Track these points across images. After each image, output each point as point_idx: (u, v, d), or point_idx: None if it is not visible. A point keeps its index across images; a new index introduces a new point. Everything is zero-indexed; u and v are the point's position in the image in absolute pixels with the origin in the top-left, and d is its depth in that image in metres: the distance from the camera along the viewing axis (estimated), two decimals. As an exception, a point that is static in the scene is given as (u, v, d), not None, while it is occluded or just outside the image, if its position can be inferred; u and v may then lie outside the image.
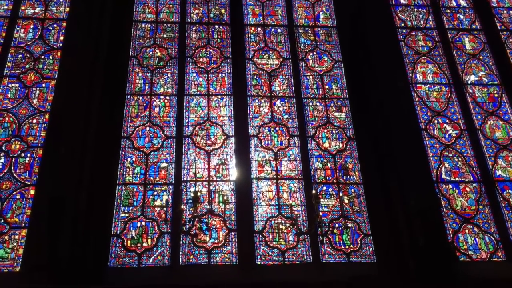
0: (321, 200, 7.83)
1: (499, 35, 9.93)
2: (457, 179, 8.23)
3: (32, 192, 7.39)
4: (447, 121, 8.80)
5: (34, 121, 8.03)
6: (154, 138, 8.26)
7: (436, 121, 8.78)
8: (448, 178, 8.22)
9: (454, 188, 8.12)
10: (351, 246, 7.62)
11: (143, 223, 7.50)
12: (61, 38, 8.90)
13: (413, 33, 9.86)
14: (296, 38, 9.60)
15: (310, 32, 9.76)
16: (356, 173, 8.23)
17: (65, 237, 6.72)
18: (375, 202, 7.90)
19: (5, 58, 8.55)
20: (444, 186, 8.13)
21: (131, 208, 7.60)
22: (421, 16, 10.13)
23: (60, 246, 6.65)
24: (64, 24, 9.06)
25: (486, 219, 7.88)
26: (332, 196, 8.00)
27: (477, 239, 7.71)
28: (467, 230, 7.77)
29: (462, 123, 8.80)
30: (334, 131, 8.63)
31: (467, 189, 8.12)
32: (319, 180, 8.12)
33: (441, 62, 9.49)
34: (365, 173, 8.19)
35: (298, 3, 10.14)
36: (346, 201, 7.96)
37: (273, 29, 9.74)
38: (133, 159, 8.03)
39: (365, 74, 8.98)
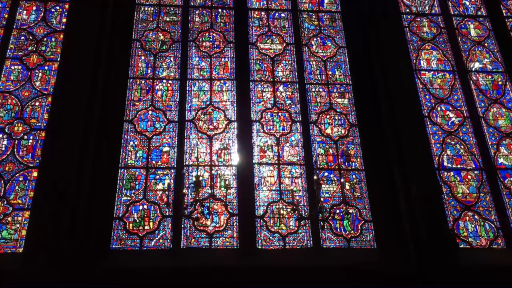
0: (323, 186, 7.87)
1: (505, 22, 9.83)
2: (459, 166, 8.23)
3: (35, 174, 7.43)
4: (450, 108, 8.77)
5: (37, 103, 8.04)
6: (156, 122, 8.26)
7: (439, 108, 8.75)
8: (450, 165, 8.23)
9: (456, 176, 8.13)
10: (352, 232, 7.66)
11: (145, 207, 7.55)
12: (64, 20, 8.85)
13: (418, 19, 9.77)
14: (299, 23, 9.53)
15: (314, 17, 9.69)
16: (358, 160, 8.24)
17: (68, 219, 6.76)
18: (376, 188, 7.92)
19: (7, 40, 8.53)
20: (445, 173, 8.14)
21: (133, 191, 7.64)
22: (426, 2, 10.02)
23: (62, 228, 6.69)
24: (67, 6, 9.00)
25: (487, 206, 7.91)
26: (333, 182, 8.02)
27: (477, 226, 7.75)
28: (467, 217, 7.80)
29: (465, 110, 8.77)
30: (336, 117, 8.62)
31: (469, 177, 8.13)
32: (321, 166, 8.13)
33: (445, 49, 9.43)
34: (366, 159, 8.19)
35: (303, -13, 10.03)
36: (347, 187, 7.97)
37: (276, 14, 9.67)
38: (136, 142, 8.04)
39: (369, 60, 8.92)
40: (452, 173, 8.14)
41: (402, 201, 7.57)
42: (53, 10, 9.00)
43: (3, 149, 7.61)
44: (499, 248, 7.60)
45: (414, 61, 9.20)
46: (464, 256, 7.19)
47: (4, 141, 7.67)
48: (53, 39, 8.67)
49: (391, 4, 9.65)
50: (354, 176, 8.10)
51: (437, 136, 8.45)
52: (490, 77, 9.20)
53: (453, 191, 7.96)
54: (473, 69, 9.26)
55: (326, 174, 8.09)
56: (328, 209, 7.68)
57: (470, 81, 9.08)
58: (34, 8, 8.98)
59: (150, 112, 8.34)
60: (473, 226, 7.74)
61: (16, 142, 7.67)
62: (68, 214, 6.80)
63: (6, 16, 8.78)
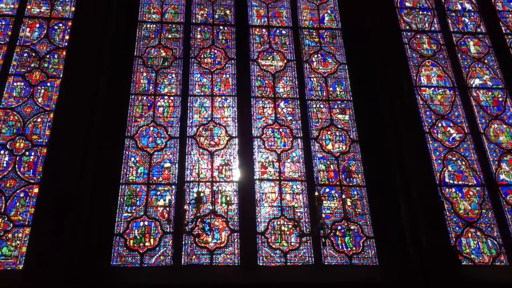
0: (324, 202, 7.83)
1: (504, 39, 9.90)
2: (460, 182, 8.22)
3: (36, 190, 7.42)
4: (451, 124, 8.79)
5: (39, 119, 8.07)
6: (157, 138, 8.28)
7: (440, 124, 8.77)
8: (451, 181, 8.21)
9: (458, 192, 8.11)
10: (354, 248, 7.62)
11: (146, 223, 7.52)
12: (67, 37, 8.94)
13: (418, 36, 9.85)
14: (300, 39, 9.61)
15: (314, 34, 9.77)
16: (359, 176, 8.23)
17: (68, 236, 6.73)
18: (378, 204, 7.89)
19: (10, 57, 8.59)
20: (447, 189, 8.11)
21: (134, 207, 7.62)
22: (426, 19, 10.12)
23: (63, 245, 6.66)
24: (70, 23, 9.09)
25: (489, 223, 7.87)
26: (335, 198, 8.01)
27: (479, 243, 7.69)
28: (470, 234, 7.75)
29: (466, 126, 8.78)
30: (337, 133, 8.63)
31: (470, 193, 8.11)
32: (322, 182, 8.12)
33: (445, 65, 9.48)
34: (368, 175, 8.18)
35: (303, 4, 10.14)
36: (348, 203, 7.95)
37: (277, 31, 9.75)
38: (137, 158, 8.05)
39: (370, 76, 8.98)
40: (453, 189, 8.12)
41: (404, 217, 7.55)
42: (56, 27, 9.08)
43: (5, 165, 7.61)
44: (502, 265, 7.54)
45: (415, 77, 9.25)
46: (467, 273, 7.15)
47: (5, 157, 7.67)
48: (55, 56, 8.73)
49: (391, 21, 9.73)
50: (355, 192, 8.09)
51: (438, 152, 8.45)
52: (490, 93, 9.23)
53: (455, 208, 7.93)
54: (473, 86, 9.30)
55: (327, 190, 8.08)
56: (329, 226, 7.65)
57: (470, 98, 9.11)
58: (38, 25, 9.07)
59: (151, 128, 8.36)
60: (475, 243, 7.69)
61: (17, 158, 7.68)
62: (69, 230, 6.77)
63: (9, 33, 8.86)
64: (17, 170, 7.58)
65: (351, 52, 9.44)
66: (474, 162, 8.41)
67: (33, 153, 7.76)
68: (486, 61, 9.63)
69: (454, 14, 10.25)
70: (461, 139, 8.63)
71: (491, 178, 8.25)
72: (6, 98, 8.19)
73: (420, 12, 10.19)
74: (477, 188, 8.16)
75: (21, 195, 7.40)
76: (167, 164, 8.07)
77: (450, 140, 8.62)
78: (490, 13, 10.24)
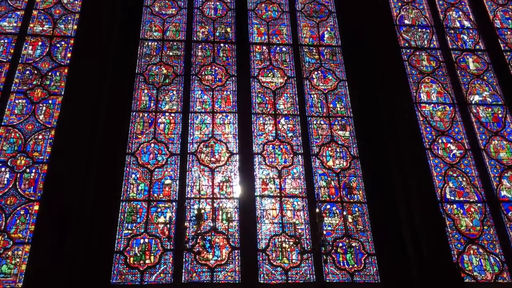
0: (325, 218, 7.82)
1: (503, 56, 9.97)
2: (461, 199, 8.20)
3: (36, 208, 7.39)
4: (451, 140, 8.80)
5: (40, 137, 8.08)
6: (158, 155, 8.28)
7: (440, 141, 8.78)
8: (452, 198, 8.19)
9: (459, 208, 8.08)
10: (355, 265, 7.57)
11: (146, 240, 7.48)
12: (69, 55, 9.00)
13: (417, 53, 9.92)
14: (300, 57, 9.69)
15: (314, 51, 9.84)
16: (360, 192, 8.22)
17: (68, 253, 6.70)
18: (379, 221, 7.87)
19: (12, 75, 8.64)
20: (448, 206, 8.09)
21: (134, 224, 7.59)
22: (425, 36, 10.21)
23: (62, 263, 6.63)
24: (72, 41, 9.17)
25: (491, 239, 7.83)
26: (336, 214, 7.98)
27: (482, 260, 7.65)
28: (472, 251, 7.71)
29: (466, 143, 8.79)
30: (338, 150, 8.64)
31: (472, 209, 8.08)
32: (323, 199, 8.11)
33: (445, 82, 9.53)
34: (369, 192, 8.17)
35: (303, 22, 10.24)
36: (350, 220, 7.93)
37: (278, 48, 9.83)
38: (138, 175, 8.05)
39: (370, 93, 9.04)
40: (455, 206, 8.10)
41: (406, 234, 7.52)
42: (58, 45, 9.16)
43: (5, 182, 7.60)
44: (505, 283, 7.47)
45: (414, 94, 9.29)
46: (469, 291, 7.11)
47: (6, 174, 7.67)
48: (57, 73, 8.79)
49: (390, 38, 9.83)
50: (356, 209, 8.07)
51: (439, 168, 8.45)
52: (490, 109, 9.26)
53: (456, 224, 7.90)
54: (473, 102, 9.34)
55: (328, 206, 8.06)
56: (330, 243, 7.60)
57: (470, 114, 9.14)
58: (40, 43, 9.14)
59: (152, 145, 8.38)
60: (477, 260, 7.63)
61: (18, 176, 7.67)
62: (69, 247, 6.75)
63: (12, 51, 8.93)
64: (17, 187, 7.57)
65: (351, 69, 9.51)
66: (475, 178, 8.40)
67: (34, 170, 7.76)
68: (485, 77, 9.68)
69: (453, 32, 10.34)
70: (462, 155, 8.63)
71: (492, 194, 8.24)
72: (7, 115, 8.22)
73: (419, 30, 10.28)
74: (479, 205, 8.14)
75: (21, 212, 7.38)
76: (168, 181, 8.06)
77: (451, 156, 8.62)
78: (488, 31, 10.34)
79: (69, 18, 9.49)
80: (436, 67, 9.72)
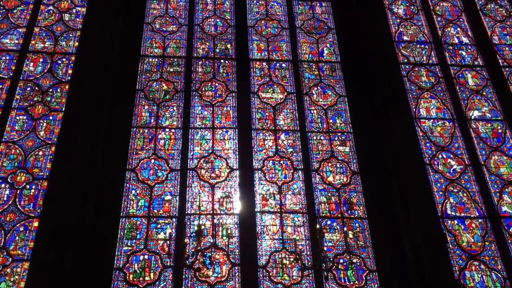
0: (326, 234, 7.79)
1: (502, 72, 10.01)
2: (462, 214, 8.16)
3: (36, 224, 7.35)
4: (451, 156, 8.79)
5: (40, 153, 8.07)
6: (158, 171, 8.28)
7: (440, 156, 8.78)
8: (453, 213, 8.16)
9: (460, 224, 8.04)
10: (356, 282, 7.51)
11: (146, 257, 7.44)
12: (70, 71, 9.04)
13: (416, 68, 9.97)
14: (300, 72, 9.74)
15: (314, 67, 9.90)
16: (361, 208, 8.20)
17: (67, 271, 6.66)
18: (380, 237, 7.83)
19: (13, 91, 8.66)
20: (449, 221, 8.06)
21: (134, 241, 7.56)
22: (423, 52, 10.27)
23: (62, 280, 6.57)
24: (73, 58, 9.22)
25: (493, 255, 7.77)
26: (336, 230, 7.95)
27: (484, 276, 7.59)
28: (473, 267, 7.65)
29: (466, 158, 8.78)
30: (338, 165, 8.64)
31: (473, 225, 8.04)
32: (324, 214, 8.09)
33: (444, 98, 9.56)
34: (369, 207, 8.15)
35: (303, 38, 10.33)
36: (350, 235, 7.90)
37: (277, 64, 9.89)
38: (137, 191, 8.04)
39: (370, 108, 9.09)
40: (456, 222, 8.06)
41: (407, 250, 7.49)
42: (59, 62, 9.20)
43: (5, 198, 7.57)
44: (508, 299, 7.43)
45: (414, 109, 9.31)
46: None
47: (6, 191, 7.65)
48: (58, 90, 8.81)
49: (389, 54, 9.90)
50: (357, 225, 8.04)
51: (439, 184, 8.43)
52: (489, 125, 9.27)
53: (457, 240, 7.85)
54: (473, 117, 9.35)
55: (328, 222, 8.03)
56: (331, 259, 7.57)
57: (470, 129, 9.14)
58: (41, 60, 9.19)
59: (152, 161, 8.38)
60: (479, 276, 7.57)
61: (18, 192, 7.65)
62: (68, 264, 6.70)
63: (13, 68, 8.97)
64: (17, 203, 7.54)
65: (350, 85, 9.57)
66: (475, 193, 8.38)
67: (33, 187, 7.74)
68: (484, 93, 9.72)
69: (451, 48, 10.40)
70: (462, 171, 8.62)
71: (493, 210, 8.21)
72: (8, 131, 8.22)
73: (418, 46, 10.35)
74: (480, 220, 8.11)
75: (21, 229, 7.33)
76: (168, 197, 8.05)
77: (451, 171, 8.61)
78: (487, 47, 10.40)
79: (71, 35, 9.56)
80: (435, 83, 9.76)
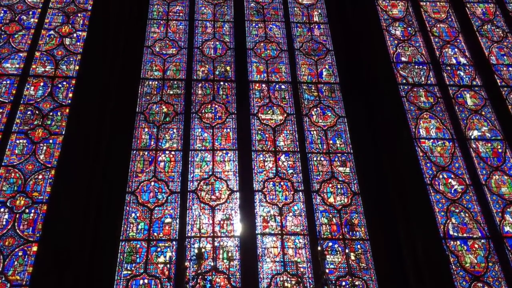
0: (327, 256, 7.71)
1: (500, 91, 10.05)
2: (465, 235, 8.10)
3: (35, 249, 7.28)
4: (452, 176, 8.77)
5: (40, 176, 8.05)
6: (158, 193, 8.25)
7: (441, 176, 8.75)
8: (455, 234, 8.10)
9: (463, 245, 7.96)
10: (359, 305, 7.42)
11: (146, 281, 7.36)
12: (70, 95, 9.06)
13: (415, 89, 10.02)
14: (299, 94, 9.79)
15: (313, 88, 9.95)
16: (362, 229, 8.14)
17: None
18: (383, 259, 7.76)
19: (14, 115, 8.67)
20: (452, 242, 7.99)
21: (134, 265, 7.49)
22: (422, 73, 10.34)
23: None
24: (74, 81, 9.26)
25: (497, 277, 7.67)
26: (338, 252, 7.88)
27: (488, 298, 7.51)
28: (477, 289, 7.58)
29: (467, 178, 8.75)
30: (339, 186, 8.62)
31: (476, 246, 7.97)
32: (325, 236, 8.03)
33: (443, 118, 9.58)
34: (371, 228, 8.10)
35: (302, 60, 10.40)
36: (352, 257, 7.82)
37: (277, 86, 9.94)
38: (137, 214, 8.00)
39: (369, 129, 9.11)
40: (458, 242, 7.99)
41: (410, 271, 7.41)
42: (60, 85, 9.23)
43: (4, 223, 7.50)
44: (513, 321, 7.32)
45: (414, 129, 9.32)
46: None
47: (5, 215, 7.59)
48: (58, 113, 8.82)
49: (387, 75, 9.97)
50: (359, 246, 7.97)
51: (440, 204, 8.39)
52: (489, 144, 9.26)
53: (460, 261, 7.77)
54: (472, 137, 9.35)
55: (330, 244, 7.97)
56: (333, 281, 7.49)
57: (470, 149, 9.13)
58: (42, 84, 9.23)
59: (152, 183, 8.36)
60: (483, 298, 7.50)
61: (17, 216, 7.60)
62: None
63: (14, 92, 8.99)
64: (16, 228, 7.47)
65: (349, 106, 9.61)
66: (477, 214, 8.32)
67: (33, 211, 7.69)
68: (483, 113, 9.74)
69: (449, 68, 10.46)
70: (463, 191, 8.58)
71: (495, 230, 8.14)
72: (8, 155, 8.20)
73: (416, 66, 10.42)
74: (482, 241, 8.03)
75: (20, 253, 7.25)
76: (168, 220, 8.00)
77: (452, 191, 8.57)
78: (484, 67, 10.46)
79: (71, 59, 9.62)
80: (434, 103, 9.79)
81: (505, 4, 11.79)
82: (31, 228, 7.52)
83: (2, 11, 10.25)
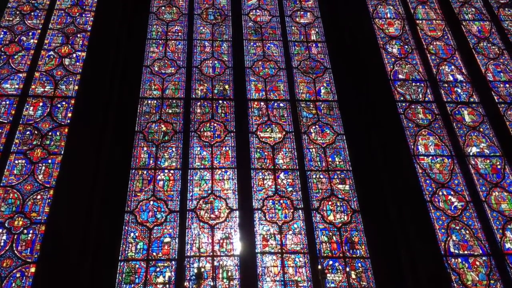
0: (328, 275, 7.65)
1: (498, 108, 10.09)
2: (466, 252, 8.04)
3: (33, 270, 7.21)
4: (452, 192, 8.75)
5: (38, 197, 8.01)
6: (157, 212, 8.21)
7: (440, 193, 8.73)
8: (456, 251, 8.04)
9: (464, 262, 7.91)
10: (360, 324, 7.34)
11: (145, 302, 7.29)
12: (69, 115, 9.08)
13: (413, 106, 10.06)
14: (298, 112, 9.82)
15: (311, 106, 9.99)
16: (363, 247, 8.09)
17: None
18: (384, 277, 7.70)
19: (13, 135, 8.68)
20: (453, 259, 7.93)
21: (133, 285, 7.42)
22: (419, 90, 10.39)
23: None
24: (73, 101, 9.29)
25: (499, 294, 7.63)
26: (338, 270, 7.82)
27: (490, 316, 7.43)
28: (480, 307, 7.50)
29: (467, 194, 8.73)
30: (338, 204, 8.59)
31: (477, 263, 7.92)
32: (325, 254, 7.97)
33: (441, 134, 9.59)
34: (371, 246, 8.05)
35: (300, 78, 10.46)
36: (353, 276, 7.75)
37: (275, 104, 9.97)
38: (136, 234, 7.95)
39: (368, 146, 9.13)
40: (459, 260, 7.94)
41: (411, 290, 7.37)
42: (59, 105, 9.25)
43: (2, 244, 7.45)
44: None
45: (412, 146, 9.33)
46: None
47: (3, 236, 7.54)
48: (57, 133, 8.83)
49: (385, 92, 10.03)
50: (359, 264, 7.91)
51: (441, 221, 8.35)
52: (488, 161, 9.26)
53: (462, 279, 7.70)
54: (471, 154, 9.35)
55: (330, 262, 7.91)
56: (334, 301, 7.42)
57: (469, 166, 9.13)
58: (41, 104, 9.25)
59: (151, 203, 8.33)
60: (486, 316, 7.42)
61: (15, 237, 7.55)
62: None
63: (13, 112, 9.01)
64: (14, 249, 7.42)
65: (348, 123, 9.64)
66: (478, 231, 8.28)
67: (31, 231, 7.64)
68: (481, 129, 9.75)
69: (446, 85, 10.52)
70: (463, 208, 8.55)
71: (496, 247, 8.09)
72: (6, 176, 8.18)
73: (413, 84, 10.47)
74: (483, 258, 7.98)
75: (18, 275, 7.18)
76: (167, 239, 7.95)
77: (452, 208, 8.54)
78: (481, 84, 10.51)
79: (70, 79, 9.66)
80: (432, 120, 9.82)
81: (500, 22, 11.93)
82: (29, 249, 7.46)
83: (2, 32, 10.34)
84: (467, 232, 8.26)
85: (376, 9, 12.02)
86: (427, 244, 7.82)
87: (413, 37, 11.42)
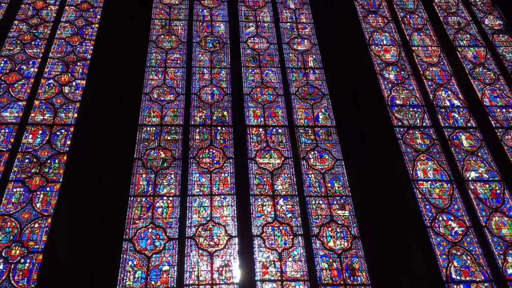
0: (329, 303, 7.56)
1: (495, 133, 10.13)
2: (468, 278, 7.96)
3: (30, 301, 7.14)
4: (452, 218, 8.71)
5: (36, 225, 7.95)
6: (156, 240, 8.15)
7: (440, 218, 8.69)
8: (458, 277, 7.96)
9: (467, 289, 7.85)
10: None
11: (143, 334, 7.17)
12: (68, 142, 9.10)
13: (410, 131, 10.10)
14: (296, 137, 9.84)
15: (310, 131, 10.03)
16: (363, 274, 8.01)
17: None
18: (385, 304, 7.60)
19: (12, 163, 8.67)
20: (455, 286, 7.84)
21: (131, 315, 7.31)
22: (416, 115, 10.45)
23: None
24: (72, 129, 9.32)
25: (503, 322, 7.52)
26: (340, 298, 7.73)
27: None
28: (483, 334, 7.39)
29: (467, 219, 8.68)
30: (338, 230, 8.53)
31: (480, 290, 7.85)
32: (325, 282, 7.88)
33: (440, 159, 9.60)
34: (372, 273, 7.96)
35: (298, 104, 10.52)
36: (355, 304, 7.66)
37: (274, 130, 10.01)
38: (134, 262, 7.86)
39: (367, 171, 9.13)
40: (461, 286, 7.85)
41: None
42: (58, 133, 9.28)
43: (-1, 274, 7.40)
44: None
45: (411, 171, 9.34)
46: None
47: (0, 265, 7.46)
48: (56, 161, 8.82)
49: (383, 117, 10.10)
50: (361, 292, 7.83)
51: (442, 247, 8.29)
52: (487, 185, 9.26)
53: (466, 306, 7.64)
54: (470, 179, 9.35)
55: (331, 290, 7.83)
56: (336, 329, 7.30)
57: (468, 190, 9.12)
58: (40, 132, 9.28)
59: (150, 230, 8.26)
60: None
61: (12, 266, 7.46)
62: None
63: (12, 140, 9.03)
64: (11, 278, 7.33)
65: (346, 148, 9.65)
66: (479, 256, 8.20)
67: (28, 260, 7.55)
68: (479, 154, 9.77)
69: (443, 110, 10.59)
70: (464, 233, 8.50)
71: (498, 273, 8.01)
72: (4, 204, 8.14)
73: (411, 109, 10.55)
74: (486, 284, 7.89)
75: (14, 306, 7.11)
76: (166, 267, 7.86)
77: (453, 234, 8.49)
78: (478, 109, 10.58)
79: (70, 107, 9.72)
80: (430, 145, 9.85)
81: (495, 48, 12.10)
82: (26, 278, 7.37)
83: (3, 62, 10.45)
84: (469, 258, 8.19)
85: (372, 36, 12.20)
86: (428, 271, 7.75)
87: (410, 63, 11.55)
